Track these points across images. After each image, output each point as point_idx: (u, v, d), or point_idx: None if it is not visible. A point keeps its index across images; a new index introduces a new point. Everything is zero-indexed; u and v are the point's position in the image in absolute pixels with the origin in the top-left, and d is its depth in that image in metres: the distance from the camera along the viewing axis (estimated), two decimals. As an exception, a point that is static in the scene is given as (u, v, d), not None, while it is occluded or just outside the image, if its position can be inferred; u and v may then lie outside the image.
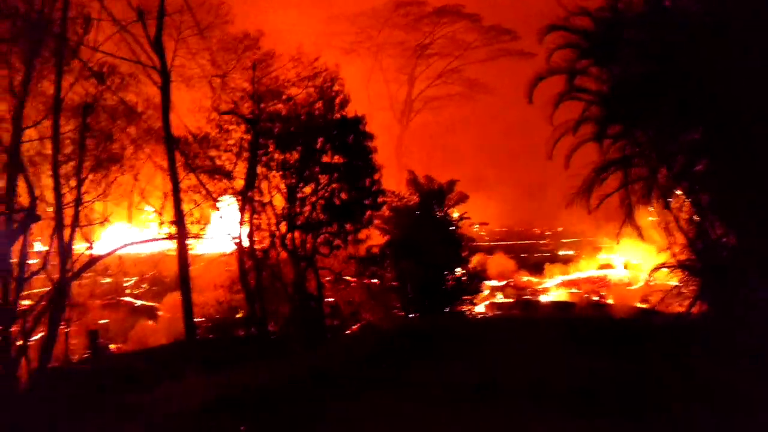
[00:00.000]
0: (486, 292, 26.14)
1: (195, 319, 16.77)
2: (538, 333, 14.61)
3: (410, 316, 21.90)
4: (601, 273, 29.96)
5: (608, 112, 13.07)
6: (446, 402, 9.71)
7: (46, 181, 15.01)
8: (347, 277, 19.67)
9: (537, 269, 31.26)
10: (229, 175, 17.15)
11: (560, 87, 13.69)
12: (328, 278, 18.80)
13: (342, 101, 17.71)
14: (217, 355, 13.37)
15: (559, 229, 40.93)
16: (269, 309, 17.36)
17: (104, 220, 15.89)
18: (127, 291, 31.39)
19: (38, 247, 17.04)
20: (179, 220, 13.46)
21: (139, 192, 18.10)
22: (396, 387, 10.42)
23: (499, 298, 27.75)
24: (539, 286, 29.65)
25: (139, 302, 30.01)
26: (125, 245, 19.49)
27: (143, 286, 33.01)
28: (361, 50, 48.34)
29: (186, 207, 17.63)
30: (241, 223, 17.33)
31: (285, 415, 9.20)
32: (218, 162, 17.14)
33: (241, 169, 17.24)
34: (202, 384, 9.50)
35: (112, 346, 23.23)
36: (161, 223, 17.86)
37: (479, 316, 23.20)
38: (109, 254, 19.07)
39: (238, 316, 17.91)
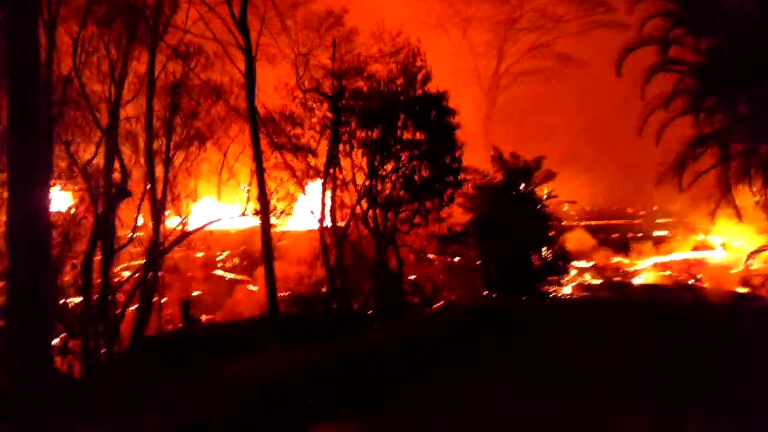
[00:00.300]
0: (573, 273, 25.40)
1: (280, 293, 17.35)
2: (625, 317, 13.92)
3: (493, 296, 21.61)
4: (698, 255, 28.39)
5: (704, 83, 12.20)
6: (514, 388, 9.35)
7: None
8: (430, 255, 19.56)
9: (628, 250, 29.99)
10: (312, 153, 17.38)
11: (653, 59, 12.93)
12: (409, 256, 18.73)
13: (424, 77, 17.49)
14: (298, 329, 13.60)
15: (654, 208, 39.07)
16: (350, 285, 17.55)
17: (188, 196, 16.18)
18: (219, 265, 32.68)
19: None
20: (262, 197, 13.74)
21: (227, 169, 18.81)
22: (461, 369, 10.07)
23: (587, 279, 26.87)
24: (630, 268, 28.46)
25: (230, 275, 31.20)
26: (213, 221, 20.28)
27: (235, 260, 34.22)
28: (449, 25, 47.49)
29: (272, 185, 18.17)
30: (323, 200, 17.52)
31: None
32: (302, 140, 17.40)
33: (323, 147, 17.42)
34: (278, 358, 9.66)
35: (204, 317, 24.33)
36: (248, 200, 18.43)
37: (565, 298, 22.54)
38: (198, 230, 19.83)
39: (323, 290, 18.22)
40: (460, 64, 47.75)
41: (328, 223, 17.75)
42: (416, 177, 17.36)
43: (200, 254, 31.89)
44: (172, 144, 15.96)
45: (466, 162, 22.15)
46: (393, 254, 17.93)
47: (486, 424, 8.25)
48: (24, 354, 7.59)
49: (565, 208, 32.06)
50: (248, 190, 18.20)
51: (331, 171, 17.35)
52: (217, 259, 33.31)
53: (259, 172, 13.49)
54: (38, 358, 7.79)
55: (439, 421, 8.41)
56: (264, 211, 14.00)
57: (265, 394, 8.61)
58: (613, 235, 33.09)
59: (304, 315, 15.83)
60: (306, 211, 18.13)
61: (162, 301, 26.33)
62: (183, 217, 19.95)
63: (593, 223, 35.89)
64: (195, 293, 27.56)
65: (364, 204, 17.68)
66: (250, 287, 28.48)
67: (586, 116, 46.52)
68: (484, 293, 21.94)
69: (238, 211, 18.11)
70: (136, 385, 10.28)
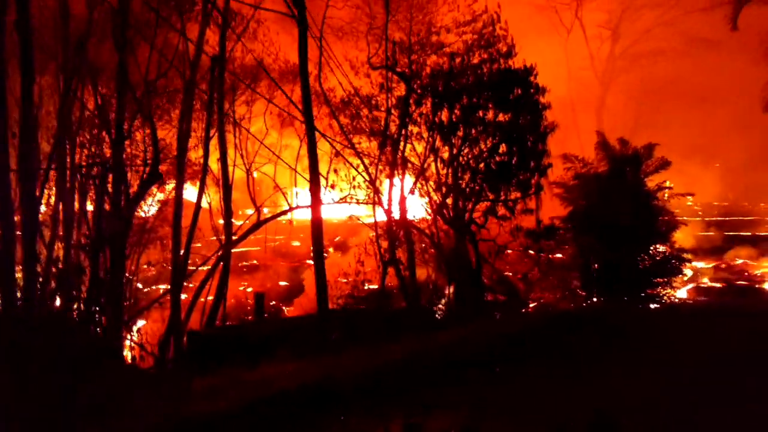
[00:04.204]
0: (689, 274, 22.53)
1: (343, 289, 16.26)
2: (745, 335, 11.46)
3: (593, 299, 19.43)
4: None
5: None
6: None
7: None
8: (509, 251, 17.67)
9: (756, 250, 26.33)
10: (388, 137, 15.98)
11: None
12: (491, 251, 16.93)
13: (508, 50, 15.53)
14: (360, 328, 12.37)
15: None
16: (420, 282, 16.09)
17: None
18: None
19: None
20: (314, 183, 12.55)
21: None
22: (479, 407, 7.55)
23: (706, 281, 23.77)
24: (758, 271, 24.92)
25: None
26: (288, 210, 19.53)
27: (330, 249, 33.65)
28: (559, 6, 44.17)
29: (342, 172, 17.03)
30: (391, 188, 16.11)
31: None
32: (368, 122, 16.06)
33: (392, 130, 15.96)
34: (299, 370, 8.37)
35: (285, 309, 23.79)
36: (326, 187, 17.43)
37: (678, 303, 19.85)
38: (273, 218, 19.14)
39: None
40: (572, 47, 44.51)
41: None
42: (492, 163, 15.47)
43: (296, 243, 31.73)
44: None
45: (572, 150, 20.17)
46: (472, 249, 16.19)
47: None
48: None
49: (689, 202, 28.83)
50: (326, 178, 17.28)
51: (399, 156, 15.83)
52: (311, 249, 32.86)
53: (312, 155, 12.25)
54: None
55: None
56: (314, 200, 12.78)
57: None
58: (740, 233, 29.33)
59: (369, 313, 14.54)
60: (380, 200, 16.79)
61: (248, 290, 26.40)
62: (257, 206, 19.44)
63: (718, 219, 32.13)
64: (282, 283, 27.30)
65: (438, 194, 16.06)
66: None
67: (713, 102, 41.93)
68: (583, 294, 19.84)
69: (327, 199, 17.27)
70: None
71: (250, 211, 21.02)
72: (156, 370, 12.87)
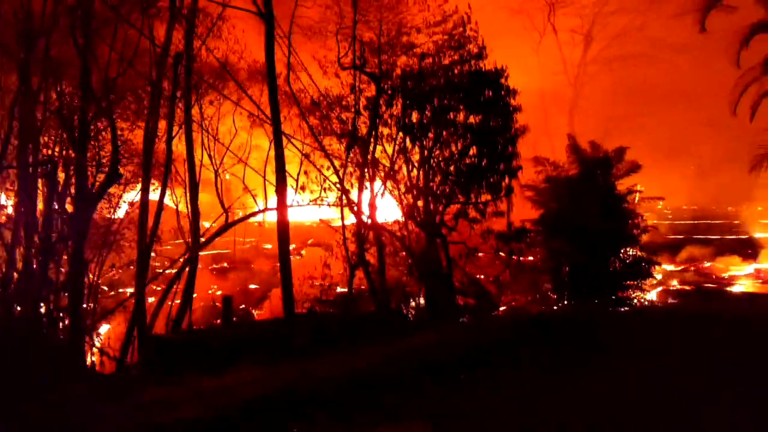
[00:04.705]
0: (659, 277, 22.63)
1: (313, 292, 15.97)
2: (711, 337, 11.42)
3: (565, 302, 19.39)
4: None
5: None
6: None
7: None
8: (480, 254, 17.54)
9: (723, 253, 26.62)
10: (358, 138, 15.76)
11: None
12: (461, 254, 16.79)
13: (479, 51, 15.41)
14: (326, 332, 12.08)
15: (759, 208, 35.04)
16: (391, 285, 15.90)
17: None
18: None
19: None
20: (280, 185, 12.29)
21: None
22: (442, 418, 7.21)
23: (675, 284, 23.93)
24: (726, 274, 25.19)
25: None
26: (256, 212, 19.18)
27: (303, 252, 33.35)
28: (532, 10, 44.40)
29: (313, 174, 16.76)
30: (361, 190, 15.89)
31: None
32: (339, 123, 15.81)
33: (363, 131, 15.73)
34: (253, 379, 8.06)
35: (255, 312, 23.41)
36: (296, 190, 17.19)
37: (646, 306, 19.91)
38: (240, 220, 18.74)
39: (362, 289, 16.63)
40: (544, 51, 44.75)
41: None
42: (462, 165, 15.33)
43: (269, 246, 31.34)
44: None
45: (545, 154, 20.11)
46: (443, 252, 16.03)
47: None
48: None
49: (659, 205, 29.12)
50: (296, 179, 17.02)
51: (369, 158, 15.61)
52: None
53: (278, 157, 12.02)
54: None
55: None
56: (280, 202, 12.53)
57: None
58: (709, 237, 29.67)
59: (336, 317, 14.27)
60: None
61: (219, 293, 25.95)
62: (225, 208, 19.03)
63: (686, 222, 32.49)
64: (252, 286, 26.90)
65: (409, 196, 15.88)
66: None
67: (686, 105, 42.47)
68: (554, 297, 19.81)
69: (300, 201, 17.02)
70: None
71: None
72: (116, 377, 12.46)
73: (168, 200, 16.54)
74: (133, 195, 16.63)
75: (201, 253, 17.39)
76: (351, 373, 8.45)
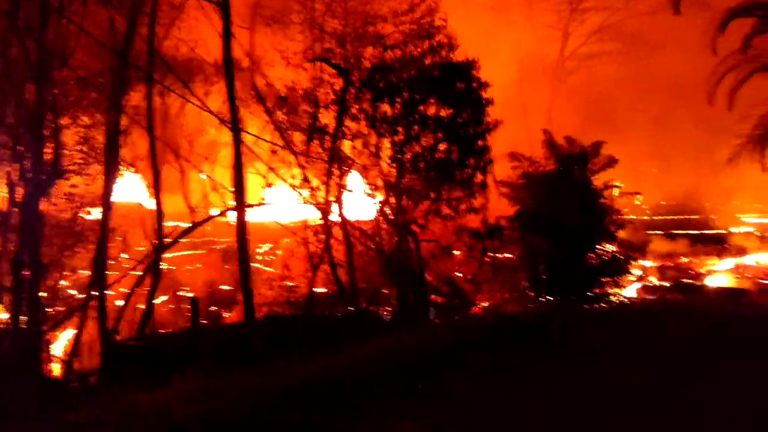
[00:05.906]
0: (638, 273, 22.44)
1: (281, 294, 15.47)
2: (691, 333, 11.09)
3: (540, 299, 19.04)
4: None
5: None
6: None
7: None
8: (457, 252, 17.11)
9: (700, 248, 26.55)
10: (326, 133, 15.22)
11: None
12: (434, 252, 16.34)
13: (449, 42, 14.91)
14: (287, 336, 11.57)
15: (735, 203, 35.13)
16: (361, 285, 15.41)
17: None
18: (258, 258, 31.18)
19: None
20: (238, 183, 11.76)
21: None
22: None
23: (653, 280, 23.75)
24: (704, 269, 25.07)
25: (269, 269, 29.61)
26: (224, 211, 18.54)
27: (279, 252, 32.61)
28: (512, 6, 44.10)
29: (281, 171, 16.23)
30: (327, 187, 15.38)
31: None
32: (305, 118, 15.28)
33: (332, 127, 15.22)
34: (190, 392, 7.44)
35: (226, 315, 22.77)
36: (264, 186, 16.73)
37: (626, 302, 19.66)
38: (207, 221, 18.14)
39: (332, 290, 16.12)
40: (524, 48, 44.52)
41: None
42: (431, 160, 14.85)
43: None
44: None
45: (522, 150, 19.70)
46: (415, 250, 15.56)
47: None
48: None
49: (637, 201, 28.95)
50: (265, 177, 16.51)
51: (337, 153, 15.10)
52: (257, 252, 31.80)
53: (236, 153, 11.50)
54: None
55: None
56: (239, 200, 12.01)
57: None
58: (687, 232, 29.57)
59: (301, 319, 13.77)
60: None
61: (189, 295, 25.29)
62: (191, 208, 18.42)
63: (664, 217, 32.41)
64: (224, 287, 26.22)
65: (380, 192, 15.38)
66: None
67: (663, 102, 42.58)
68: (531, 294, 19.45)
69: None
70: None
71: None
72: (64, 386, 11.85)
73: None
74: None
75: (177, 254, 16.86)
76: (302, 383, 7.83)
